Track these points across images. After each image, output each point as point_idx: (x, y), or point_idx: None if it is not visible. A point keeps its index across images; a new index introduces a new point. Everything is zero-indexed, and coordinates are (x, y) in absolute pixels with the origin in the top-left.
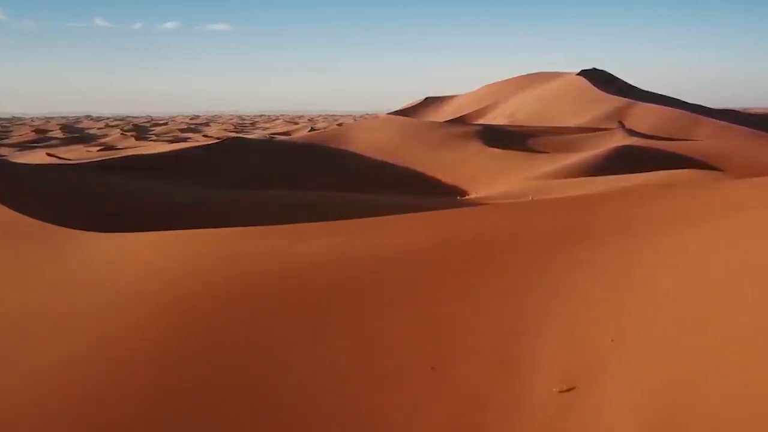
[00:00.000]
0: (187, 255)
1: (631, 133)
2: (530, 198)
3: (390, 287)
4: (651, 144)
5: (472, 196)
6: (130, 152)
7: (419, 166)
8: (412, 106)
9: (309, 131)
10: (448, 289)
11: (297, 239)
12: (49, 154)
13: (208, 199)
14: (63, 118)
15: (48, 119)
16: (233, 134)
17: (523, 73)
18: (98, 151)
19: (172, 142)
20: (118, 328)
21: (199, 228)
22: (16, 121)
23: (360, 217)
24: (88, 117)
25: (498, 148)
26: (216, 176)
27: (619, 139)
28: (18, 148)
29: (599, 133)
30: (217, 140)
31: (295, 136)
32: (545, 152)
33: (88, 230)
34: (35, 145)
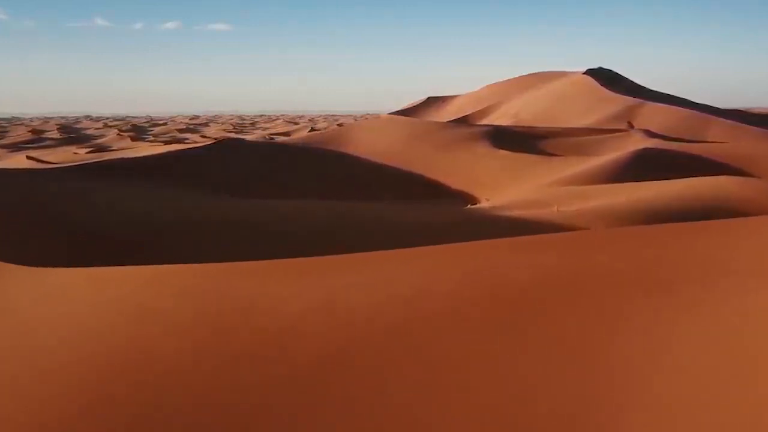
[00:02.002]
0: (129, 308)
1: (649, 134)
2: (555, 209)
3: (419, 349)
4: (671, 146)
5: (484, 203)
6: (121, 154)
7: (424, 170)
8: (414, 106)
9: (309, 131)
10: (503, 348)
11: (287, 280)
12: (29, 157)
13: (188, 217)
14: (62, 118)
15: (47, 119)
16: (233, 135)
17: (524, 73)
18: (86, 153)
19: (168, 143)
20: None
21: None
22: (15, 121)
23: (363, 231)
24: (88, 117)
25: (508, 150)
26: (205, 181)
27: (636, 141)
28: (11, 149)
29: (614, 134)
30: (214, 141)
31: (295, 136)
32: (558, 155)
33: (20, 254)
34: (29, 146)
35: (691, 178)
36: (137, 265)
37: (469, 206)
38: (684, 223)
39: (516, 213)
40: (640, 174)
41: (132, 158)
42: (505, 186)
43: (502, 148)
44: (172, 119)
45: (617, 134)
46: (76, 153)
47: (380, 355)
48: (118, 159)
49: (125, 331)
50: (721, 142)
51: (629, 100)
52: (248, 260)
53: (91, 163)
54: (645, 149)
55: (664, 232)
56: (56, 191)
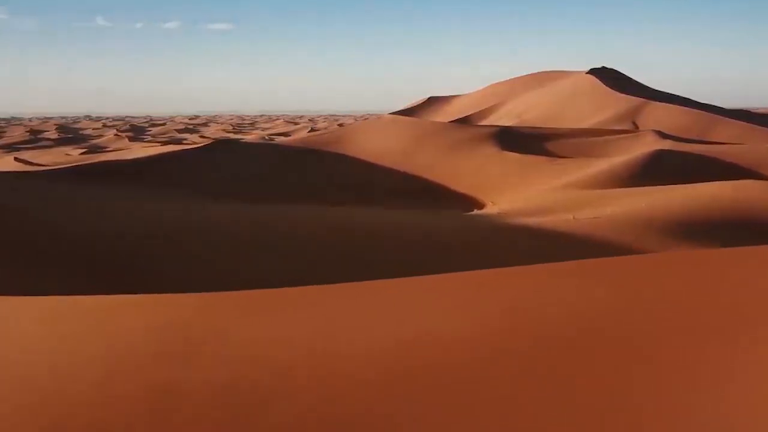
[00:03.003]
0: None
1: (661, 135)
2: (572, 217)
3: (434, 417)
4: (685, 148)
5: (493, 209)
6: (113, 155)
7: (428, 172)
8: (415, 106)
9: (309, 132)
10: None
11: (265, 317)
12: (17, 159)
13: (162, 226)
14: (62, 118)
15: (47, 119)
16: (232, 135)
17: (525, 73)
18: (80, 154)
19: (165, 143)
20: None
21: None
22: (14, 122)
23: (363, 244)
24: (88, 117)
25: (515, 152)
26: (192, 185)
27: (648, 143)
28: (6, 150)
29: (623, 135)
30: (208, 143)
31: (295, 137)
32: (566, 157)
33: None
34: (25, 146)
35: (711, 183)
36: (108, 283)
37: (475, 211)
38: (745, 248)
39: (529, 221)
40: (655, 177)
41: (116, 161)
42: (512, 189)
43: (509, 150)
44: (172, 119)
45: (627, 135)
46: (68, 154)
47: (379, 421)
48: (103, 162)
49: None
50: (735, 143)
51: (634, 100)
52: (221, 281)
53: (76, 166)
54: (658, 151)
55: (722, 258)
56: (36, 196)
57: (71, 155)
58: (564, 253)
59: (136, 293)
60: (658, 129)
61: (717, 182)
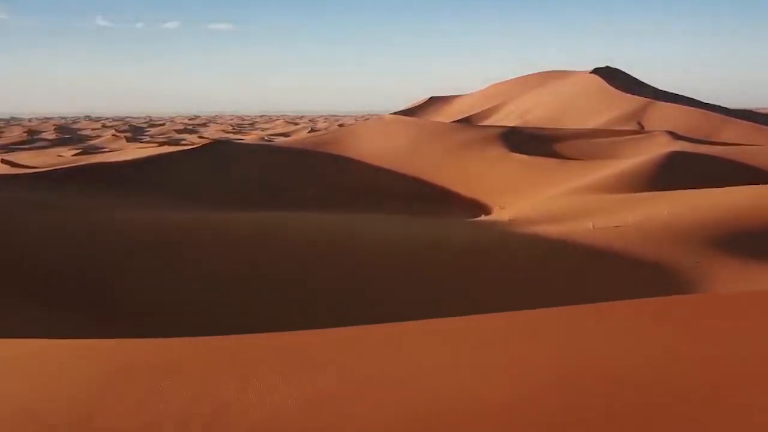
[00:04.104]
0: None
1: (675, 136)
2: (591, 226)
3: None
4: (700, 149)
5: (503, 215)
6: (107, 156)
7: (432, 175)
8: (416, 106)
9: (309, 132)
10: None
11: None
12: (4, 161)
13: (134, 239)
14: (62, 118)
15: (47, 119)
16: (231, 135)
17: (527, 72)
18: (72, 155)
19: (161, 144)
20: None
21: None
22: (13, 122)
23: (363, 260)
24: (87, 117)
25: (523, 153)
26: (181, 190)
27: (662, 144)
28: (2, 150)
29: (635, 136)
30: (202, 144)
31: (294, 137)
32: (577, 158)
33: None
34: (21, 146)
35: (731, 188)
36: (79, 301)
37: (483, 217)
38: None
39: (545, 230)
40: (671, 180)
41: (100, 164)
42: (521, 193)
43: (516, 152)
44: (172, 120)
45: (637, 136)
46: (60, 155)
47: None
48: (86, 165)
49: None
50: (746, 144)
51: (639, 100)
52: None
53: (55, 170)
54: (673, 153)
55: None
56: (7, 206)
57: (63, 156)
58: (593, 269)
59: (94, 320)
60: (664, 129)
61: (737, 187)
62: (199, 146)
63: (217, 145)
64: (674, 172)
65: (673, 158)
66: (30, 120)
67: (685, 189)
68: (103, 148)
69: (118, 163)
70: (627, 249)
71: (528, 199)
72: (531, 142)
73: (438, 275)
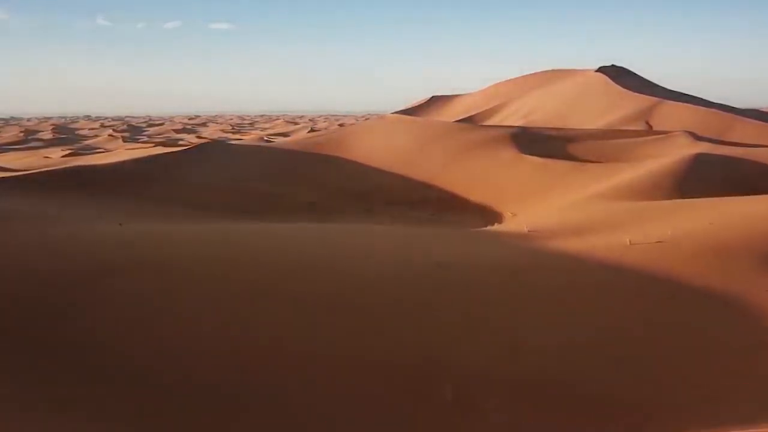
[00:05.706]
0: None
1: (696, 137)
2: (628, 242)
3: None
4: (726, 151)
5: (520, 225)
6: (101, 158)
7: (436, 179)
8: (417, 106)
9: (308, 132)
10: None
11: None
12: None
13: (88, 272)
14: (62, 118)
15: (46, 119)
16: (230, 135)
17: (528, 72)
18: (62, 156)
19: (158, 144)
20: None
21: None
22: (12, 121)
23: (360, 287)
24: (87, 117)
25: (535, 155)
26: (169, 194)
27: (683, 145)
28: None
29: (654, 136)
30: (194, 145)
31: (294, 137)
32: (592, 160)
33: None
34: (16, 147)
35: None
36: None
37: (496, 225)
38: None
39: (574, 246)
40: (700, 185)
41: (73, 168)
42: (534, 199)
43: (528, 153)
44: (171, 119)
45: (656, 137)
46: (46, 157)
47: None
48: (72, 167)
49: None
50: (762, 145)
51: (646, 99)
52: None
53: (22, 176)
54: (699, 155)
55: None
56: None
57: (50, 158)
58: (647, 300)
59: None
60: (673, 129)
61: None
62: (192, 146)
63: (209, 145)
64: (701, 176)
65: (698, 161)
66: (29, 120)
67: (716, 195)
68: (98, 148)
69: (101, 166)
70: (668, 268)
71: (542, 205)
72: (542, 142)
73: (434, 291)
